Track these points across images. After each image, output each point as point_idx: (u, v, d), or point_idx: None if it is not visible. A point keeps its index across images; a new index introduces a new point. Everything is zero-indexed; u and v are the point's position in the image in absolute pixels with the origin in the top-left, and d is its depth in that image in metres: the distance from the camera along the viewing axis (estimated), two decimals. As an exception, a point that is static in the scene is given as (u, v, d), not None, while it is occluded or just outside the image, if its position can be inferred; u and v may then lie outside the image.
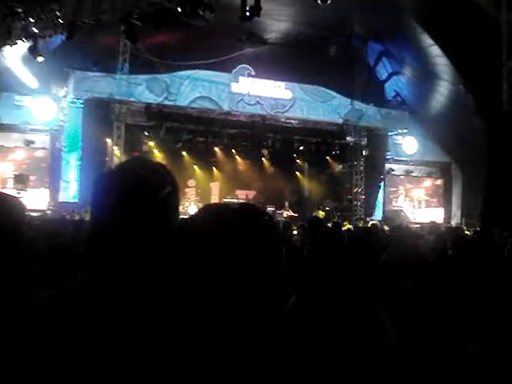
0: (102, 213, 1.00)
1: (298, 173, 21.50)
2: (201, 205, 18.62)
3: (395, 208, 19.67)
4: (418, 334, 1.94)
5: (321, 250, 1.90)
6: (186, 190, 19.79)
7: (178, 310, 0.83)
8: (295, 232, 6.38)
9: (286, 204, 18.09)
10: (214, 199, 20.64)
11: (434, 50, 15.88)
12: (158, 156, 18.15)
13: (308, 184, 21.40)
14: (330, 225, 9.73)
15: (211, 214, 0.90)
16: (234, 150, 19.45)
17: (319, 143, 18.73)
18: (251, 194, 21.01)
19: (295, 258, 2.47)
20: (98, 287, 0.90)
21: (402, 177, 20.04)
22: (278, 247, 0.87)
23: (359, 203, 18.99)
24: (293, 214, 17.84)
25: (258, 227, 0.86)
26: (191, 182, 20.24)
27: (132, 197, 1.00)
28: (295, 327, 0.91)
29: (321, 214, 15.71)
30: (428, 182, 20.57)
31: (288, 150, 19.18)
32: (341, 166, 20.09)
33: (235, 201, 19.25)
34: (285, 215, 17.59)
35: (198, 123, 17.19)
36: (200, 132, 17.60)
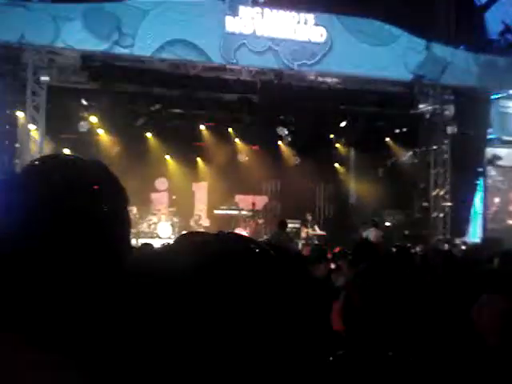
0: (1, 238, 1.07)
1: (337, 165, 21.54)
2: (177, 220, 18.86)
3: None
4: None
5: (364, 296, 1.95)
6: (154, 196, 19.89)
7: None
8: (333, 266, 6.38)
9: (309, 217, 18.11)
10: (200, 211, 20.73)
11: None
12: (105, 139, 18.32)
13: (355, 184, 21.42)
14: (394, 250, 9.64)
15: (189, 252, 0.96)
16: (231, 130, 19.65)
17: (373, 115, 18.76)
18: (261, 200, 21.03)
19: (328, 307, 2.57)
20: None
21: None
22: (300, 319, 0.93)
23: (442, 215, 18.91)
24: (319, 232, 17.93)
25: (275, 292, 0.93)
26: (161, 183, 20.34)
27: (52, 216, 1.07)
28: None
29: (374, 234, 15.64)
30: None
31: (321, 127, 19.28)
32: (410, 153, 20.10)
33: (236, 213, 19.34)
34: (304, 234, 17.70)
35: (171, 85, 17.29)
36: (175, 100, 17.72)
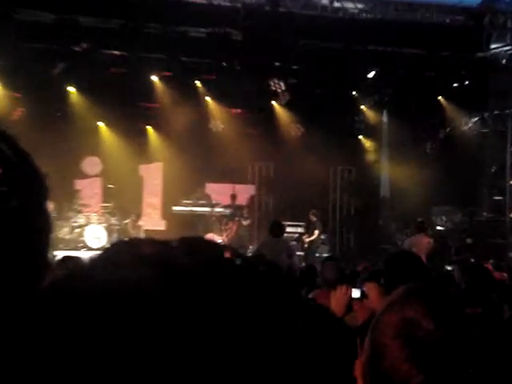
0: None
1: (363, 138, 21.44)
2: (115, 222, 18.70)
3: None
4: None
5: (411, 348, 1.97)
6: (80, 184, 19.68)
7: None
8: (357, 293, 6.39)
9: (313, 219, 17.84)
10: (151, 207, 20.53)
11: None
12: (2, 96, 18.04)
13: (389, 166, 21.27)
14: (450, 269, 9.71)
15: (134, 268, 0.96)
16: (199, 83, 19.80)
17: (419, 62, 18.92)
18: (245, 192, 20.88)
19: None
20: None
21: None
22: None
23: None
24: (316, 236, 17.86)
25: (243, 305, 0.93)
26: (91, 165, 20.14)
27: None
28: None
29: (420, 242, 15.67)
30: None
31: (338, 79, 19.39)
32: (476, 119, 20.21)
33: (206, 210, 19.24)
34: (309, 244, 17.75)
35: (105, 13, 17.15)
36: (112, 35, 17.74)
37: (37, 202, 1.18)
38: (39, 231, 1.17)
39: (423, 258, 12.94)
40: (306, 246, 17.86)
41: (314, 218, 18.33)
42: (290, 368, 0.94)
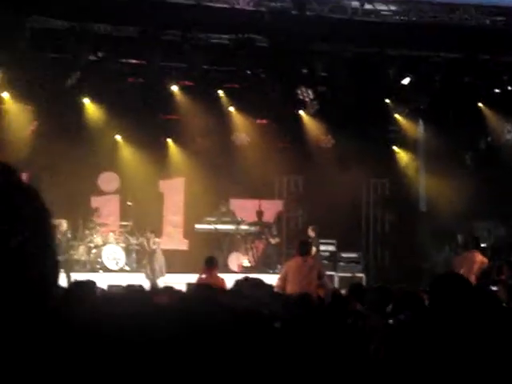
0: None
1: (397, 149, 21.39)
2: (135, 241, 18.73)
3: None
4: None
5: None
6: (96, 201, 19.73)
7: None
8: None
9: (311, 233, 17.46)
10: (171, 223, 20.52)
11: None
12: (14, 109, 18.06)
13: (427, 179, 21.19)
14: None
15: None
16: (222, 93, 19.75)
17: (457, 65, 18.81)
18: (272, 208, 20.90)
19: None
20: None
21: None
22: None
23: None
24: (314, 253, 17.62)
25: None
26: (108, 181, 20.19)
27: None
28: None
29: (471, 260, 15.60)
30: None
31: (370, 87, 19.35)
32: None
33: (230, 228, 19.21)
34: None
35: (122, 18, 17.18)
36: (129, 43, 17.74)
37: (38, 237, 1.16)
38: (42, 263, 1.17)
39: (473, 277, 12.88)
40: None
41: (312, 234, 18.13)
42: None
